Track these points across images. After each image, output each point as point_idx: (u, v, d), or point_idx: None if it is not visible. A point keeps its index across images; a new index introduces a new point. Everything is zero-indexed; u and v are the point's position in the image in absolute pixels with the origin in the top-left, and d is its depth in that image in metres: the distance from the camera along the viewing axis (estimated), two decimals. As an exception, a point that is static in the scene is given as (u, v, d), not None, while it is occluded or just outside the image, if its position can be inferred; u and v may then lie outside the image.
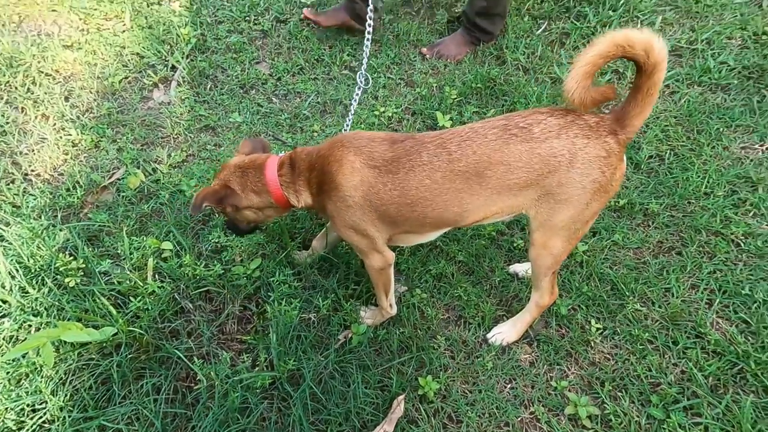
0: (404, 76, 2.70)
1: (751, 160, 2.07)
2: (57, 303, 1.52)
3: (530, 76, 2.60)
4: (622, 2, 2.83)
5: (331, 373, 1.52)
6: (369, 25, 1.97)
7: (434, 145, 1.32)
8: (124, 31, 2.85)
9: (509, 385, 1.54)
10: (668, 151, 2.15)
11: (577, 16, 2.86)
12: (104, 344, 1.41)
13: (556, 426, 1.43)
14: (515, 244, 1.89)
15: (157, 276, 1.67)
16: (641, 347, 1.57)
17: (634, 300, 1.68)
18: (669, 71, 2.49)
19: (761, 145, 2.13)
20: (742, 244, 1.80)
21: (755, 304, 1.61)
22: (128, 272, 1.60)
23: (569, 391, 1.49)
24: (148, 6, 3.01)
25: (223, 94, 2.64)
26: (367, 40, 1.97)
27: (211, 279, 1.68)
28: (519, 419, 1.45)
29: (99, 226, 1.85)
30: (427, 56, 2.78)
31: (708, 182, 1.98)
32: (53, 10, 2.77)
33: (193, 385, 1.48)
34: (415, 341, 1.63)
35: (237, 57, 2.87)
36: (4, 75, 2.38)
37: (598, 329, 1.62)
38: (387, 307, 1.65)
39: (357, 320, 1.66)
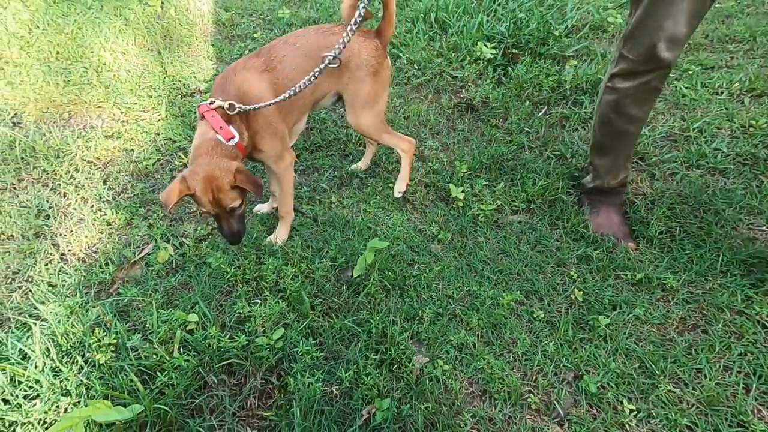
0: (416, 152, 2.90)
1: (762, 242, 2.11)
2: (86, 381, 1.53)
3: (536, 153, 2.78)
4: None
5: (357, 451, 1.47)
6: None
7: (280, 43, 1.99)
8: (159, 120, 3.15)
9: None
10: (678, 228, 2.21)
11: (574, 102, 3.13)
12: (130, 423, 1.40)
13: None
14: (535, 315, 1.90)
15: (182, 349, 1.69)
16: (682, 435, 1.48)
17: (665, 380, 1.63)
18: (666, 154, 2.66)
19: (770, 228, 2.17)
20: (769, 328, 1.76)
21: (797, 396, 1.54)
22: (155, 346, 1.63)
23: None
24: (181, 98, 3.37)
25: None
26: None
27: (235, 351, 1.70)
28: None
29: (128, 300, 1.91)
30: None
31: (722, 260, 2.01)
32: (99, 107, 3.10)
33: (215, 466, 1.43)
34: (440, 418, 1.58)
35: (260, 139, 3.12)
36: (52, 165, 2.62)
37: (631, 411, 1.55)
38: (290, 210, 2.24)
39: (379, 395, 1.64)
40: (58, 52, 3.44)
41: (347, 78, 2.12)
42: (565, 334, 1.83)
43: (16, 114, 2.95)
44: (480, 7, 3.86)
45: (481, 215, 2.43)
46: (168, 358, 1.61)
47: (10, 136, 2.74)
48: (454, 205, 2.50)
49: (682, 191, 2.41)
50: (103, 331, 1.61)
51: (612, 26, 3.88)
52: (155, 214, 2.47)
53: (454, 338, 1.83)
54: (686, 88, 3.10)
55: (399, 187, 2.47)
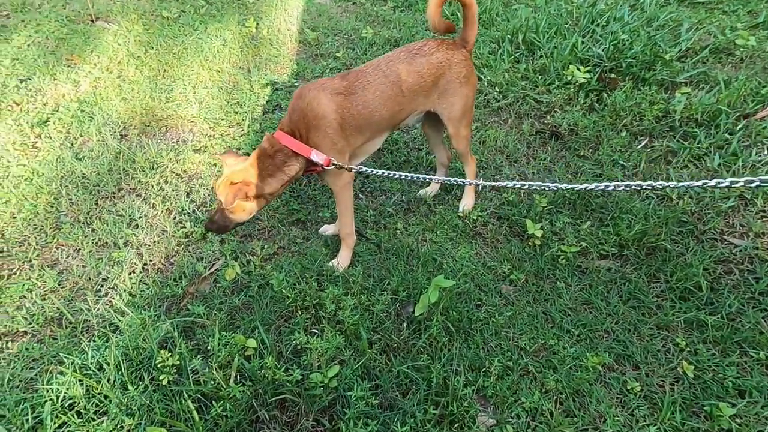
0: (490, 180, 2.71)
1: None
2: (148, 402, 1.57)
3: (633, 191, 2.44)
4: (740, 126, 2.64)
5: None
6: None
7: (371, 68, 2.02)
8: (241, 136, 3.31)
9: None
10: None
11: (684, 135, 2.72)
12: (182, 453, 1.40)
13: None
14: (629, 386, 1.60)
15: (239, 377, 1.68)
16: None
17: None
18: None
19: None
20: None
21: None
22: (214, 371, 1.63)
23: None
24: (263, 114, 3.52)
25: (315, 190, 2.85)
26: None
27: (289, 386, 1.64)
28: None
29: (195, 318, 1.96)
30: None
31: None
32: (192, 122, 3.35)
33: None
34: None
35: (332, 159, 3.14)
36: (146, 176, 2.85)
37: None
38: (351, 232, 2.19)
39: None
40: (165, 71, 3.80)
41: (436, 95, 2.13)
42: (671, 418, 1.52)
43: (124, 127, 3.28)
44: (576, 27, 3.56)
45: (562, 257, 2.17)
46: (225, 386, 1.60)
47: (117, 148, 3.04)
48: (530, 243, 2.27)
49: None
50: (169, 352, 1.65)
51: (741, 49, 3.33)
52: (229, 229, 2.56)
53: (527, 401, 1.61)
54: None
55: (468, 203, 2.49)
